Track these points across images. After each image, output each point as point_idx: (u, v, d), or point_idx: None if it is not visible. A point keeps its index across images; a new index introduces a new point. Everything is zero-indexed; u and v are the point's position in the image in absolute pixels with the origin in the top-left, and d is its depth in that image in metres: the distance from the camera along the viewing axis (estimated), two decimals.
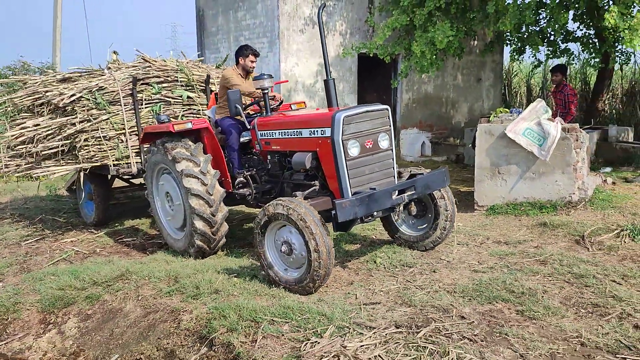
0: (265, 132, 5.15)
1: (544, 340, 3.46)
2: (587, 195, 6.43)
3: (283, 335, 3.82)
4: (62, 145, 6.55)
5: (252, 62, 5.76)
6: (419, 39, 8.87)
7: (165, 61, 7.09)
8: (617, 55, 9.44)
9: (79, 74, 7.04)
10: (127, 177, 7.50)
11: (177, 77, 6.83)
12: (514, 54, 10.83)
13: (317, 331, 3.76)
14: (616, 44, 8.76)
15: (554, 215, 6.24)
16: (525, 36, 8.71)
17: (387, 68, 10.82)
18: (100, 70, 7.10)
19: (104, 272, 5.60)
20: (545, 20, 8.59)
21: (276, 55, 9.53)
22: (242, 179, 5.42)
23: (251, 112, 5.88)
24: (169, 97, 6.79)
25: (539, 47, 8.70)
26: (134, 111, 6.58)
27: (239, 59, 5.80)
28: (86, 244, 7.25)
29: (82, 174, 6.67)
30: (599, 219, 6.01)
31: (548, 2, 7.98)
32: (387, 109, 4.73)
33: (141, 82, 6.65)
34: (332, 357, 3.38)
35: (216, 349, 4.02)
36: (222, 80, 5.70)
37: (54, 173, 6.54)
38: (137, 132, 6.59)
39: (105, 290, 5.32)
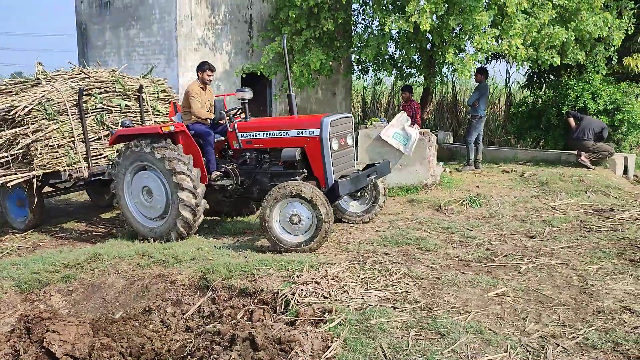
0: (248, 133, 6.56)
1: (440, 261, 5.63)
2: (437, 179, 9.03)
3: (273, 275, 5.40)
4: (10, 155, 7.15)
5: (209, 76, 7.02)
6: (297, 61, 10.89)
7: (96, 72, 7.97)
8: (437, 80, 12.47)
9: (13, 85, 7.67)
10: (80, 182, 8.04)
11: (114, 87, 7.83)
12: (361, 73, 13.48)
13: (296, 270, 5.44)
14: (437, 72, 11.70)
15: (417, 194, 8.68)
16: (380, 62, 11.24)
17: (263, 83, 12.65)
18: (32, 81, 7.75)
19: (72, 256, 6.41)
20: (397, 53, 11.24)
21: (174, 70, 10.80)
22: (220, 173, 6.75)
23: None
24: (110, 106, 7.75)
25: (392, 71, 11.31)
26: (80, 120, 7.45)
27: (199, 74, 7.03)
28: (24, 241, 7.88)
29: (34, 181, 7.26)
30: (447, 194, 8.58)
31: (397, 40, 10.60)
32: (351, 116, 6.65)
33: (84, 92, 7.47)
34: (320, 278, 5.15)
35: (219, 292, 5.47)
36: (187, 92, 6.91)
37: (11, 181, 7.13)
38: (84, 140, 7.47)
39: (79, 271, 6.15)
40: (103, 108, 7.67)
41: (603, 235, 6.39)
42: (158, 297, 5.67)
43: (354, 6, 11.71)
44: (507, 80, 16.75)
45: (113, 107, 7.84)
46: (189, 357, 4.19)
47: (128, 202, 6.93)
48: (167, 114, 8.24)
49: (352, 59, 12.27)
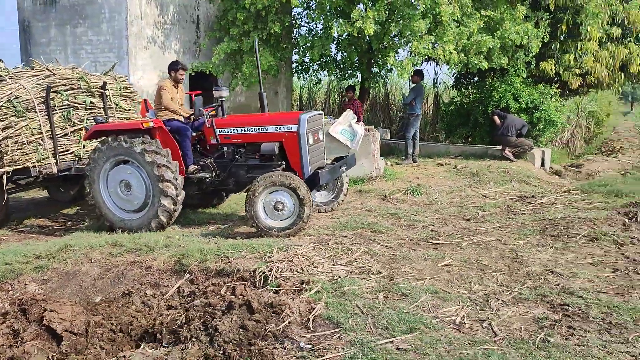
0: (226, 129, 7.06)
1: (392, 240, 6.41)
2: (381, 172, 9.87)
3: (245, 257, 5.96)
4: None
5: (181, 75, 7.44)
6: (247, 61, 11.42)
7: (60, 69, 8.13)
8: (373, 80, 13.39)
9: None
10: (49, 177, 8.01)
11: (79, 84, 8.06)
12: (300, 73, 14.17)
13: (267, 252, 6.02)
14: (377, 73, 12.59)
15: (364, 185, 9.48)
16: (324, 63, 11.96)
17: (210, 81, 13.05)
18: None
19: (42, 248, 6.64)
20: (340, 54, 12.00)
21: (124, 68, 11.01)
22: (197, 166, 7.17)
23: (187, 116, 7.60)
24: (75, 103, 7.98)
25: (334, 71, 12.06)
26: (47, 117, 7.63)
27: (171, 72, 7.41)
28: None
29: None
30: (391, 185, 9.44)
31: (341, 41, 11.37)
32: (322, 113, 7.32)
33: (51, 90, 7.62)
34: (292, 257, 5.79)
35: (196, 274, 5.98)
36: (159, 90, 7.26)
37: None
38: (51, 136, 7.64)
39: (51, 261, 6.39)
40: (69, 105, 7.86)
41: (527, 216, 7.42)
42: (136, 282, 6.04)
43: (298, 10, 12.36)
44: (435, 81, 18.01)
45: (78, 104, 8.03)
46: (185, 326, 4.69)
47: (104, 196, 7.15)
48: (129, 110, 8.54)
49: (296, 59, 12.90)
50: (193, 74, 12.05)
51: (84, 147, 7.93)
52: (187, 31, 12.38)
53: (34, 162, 7.48)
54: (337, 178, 7.73)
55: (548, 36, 11.70)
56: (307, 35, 11.63)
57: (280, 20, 11.32)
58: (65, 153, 7.82)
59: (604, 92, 19.14)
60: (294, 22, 12.31)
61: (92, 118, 7.79)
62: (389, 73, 12.28)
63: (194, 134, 7.38)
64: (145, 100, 8.02)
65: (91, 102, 8.13)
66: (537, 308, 4.26)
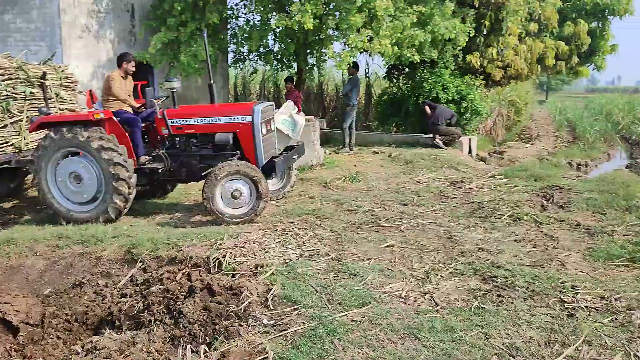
0: (178, 119, 7.11)
1: (337, 225, 6.78)
2: (321, 161, 10.25)
3: (197, 245, 6.15)
4: None
5: (133, 66, 7.48)
6: (184, 51, 11.43)
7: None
8: (310, 71, 13.74)
9: None
10: None
11: (18, 74, 7.82)
12: (235, 63, 14.29)
13: (217, 239, 6.25)
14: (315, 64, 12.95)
15: (305, 173, 9.82)
16: (263, 54, 12.15)
17: (145, 71, 12.91)
18: None
19: None
20: (277, 46, 12.22)
21: (58, 58, 10.67)
22: (149, 157, 7.21)
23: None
24: (14, 93, 7.75)
25: (273, 62, 12.29)
26: None
27: (122, 64, 7.42)
28: None
29: None
30: (330, 173, 9.84)
31: (278, 33, 11.60)
32: (273, 104, 7.51)
33: None
34: (243, 243, 6.05)
35: (148, 263, 6.12)
36: (108, 80, 7.23)
37: None
38: None
39: None
40: (8, 95, 7.66)
41: (458, 200, 8.03)
42: (86, 273, 6.07)
43: (235, 1, 12.48)
44: (367, 72, 18.58)
45: (17, 94, 7.81)
46: (146, 311, 4.86)
47: (51, 186, 7.07)
48: (70, 100, 8.41)
49: (234, 49, 13.01)
50: None
51: (24, 139, 7.77)
52: (122, 20, 12.19)
53: None
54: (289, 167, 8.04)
55: (473, 31, 12.47)
56: (245, 26, 11.77)
57: (218, 11, 11.40)
58: (4, 145, 7.63)
59: (522, 83, 20.43)
60: (231, 12, 12.39)
61: (33, 109, 7.65)
62: (322, 64, 12.69)
63: (143, 124, 7.43)
64: (90, 91, 7.94)
65: (31, 93, 7.94)
66: (471, 281, 4.77)
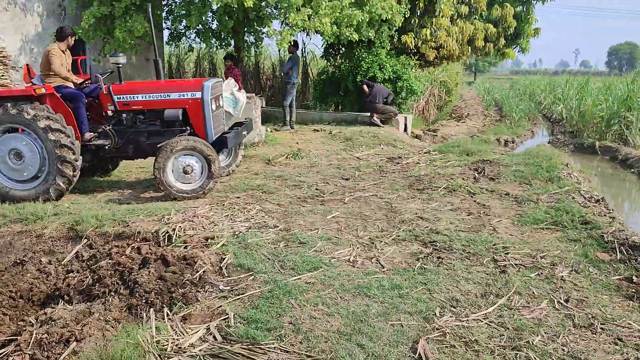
0: (125, 95, 6.98)
1: (282, 199, 6.97)
2: (262, 138, 10.35)
3: (144, 220, 6.21)
4: None
5: (71, 40, 7.36)
6: (119, 27, 11.12)
7: None
8: (248, 49, 13.74)
9: None
10: None
11: None
12: (172, 40, 14.04)
13: (164, 215, 6.30)
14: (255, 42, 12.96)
15: (248, 151, 9.90)
16: (202, 32, 12.01)
17: (76, 47, 12.47)
18: None
19: None
20: (216, 23, 12.09)
21: None
22: (94, 134, 7.06)
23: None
24: None
25: (211, 40, 12.17)
26: None
27: (64, 38, 7.25)
28: None
29: None
30: (273, 150, 9.98)
31: (217, 10, 11.49)
32: (222, 80, 7.49)
33: None
34: (192, 217, 6.13)
35: (94, 239, 6.10)
36: (48, 55, 6.99)
37: None
38: None
39: None
40: None
41: (396, 175, 8.40)
42: (27, 251, 6.00)
43: None
44: (304, 50, 18.69)
45: None
46: (97, 284, 4.88)
47: None
48: (2, 76, 8.07)
49: (169, 26, 12.76)
50: None
51: None
52: None
53: None
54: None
55: (409, 12, 12.85)
56: (182, 3, 11.58)
57: None
58: None
59: (452, 64, 21.21)
60: None
61: None
62: (260, 42, 12.72)
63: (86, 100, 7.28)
64: (27, 65, 7.62)
65: None
66: (413, 245, 5.10)
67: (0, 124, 6.71)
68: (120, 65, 7.02)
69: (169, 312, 3.64)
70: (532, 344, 3.12)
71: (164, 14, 12.29)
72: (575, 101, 17.90)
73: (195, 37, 12.47)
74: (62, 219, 6.28)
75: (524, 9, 17.66)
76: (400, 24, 12.66)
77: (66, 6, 11.93)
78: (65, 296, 5.10)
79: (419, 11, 13.66)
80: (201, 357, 2.98)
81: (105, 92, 7.05)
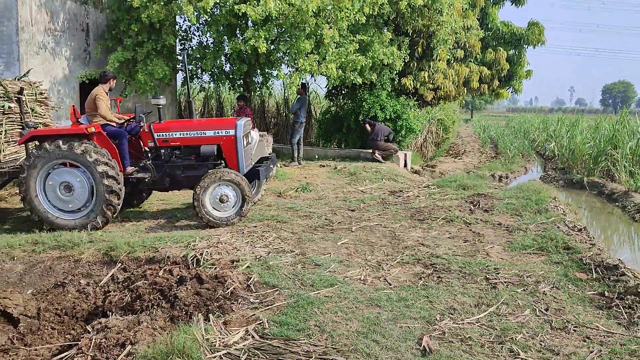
0: (164, 133, 7.76)
1: (296, 228, 7.65)
2: (273, 173, 11.11)
3: (172, 246, 6.89)
4: None
5: (113, 83, 8.13)
6: (141, 70, 12.04)
7: None
8: (259, 90, 14.69)
9: None
10: None
11: None
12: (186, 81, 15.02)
13: (190, 242, 6.98)
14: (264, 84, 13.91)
15: None
16: (217, 74, 12.94)
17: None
18: None
19: None
20: (230, 66, 13.05)
21: (15, 74, 11.02)
22: (135, 168, 7.80)
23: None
24: None
25: (225, 82, 13.11)
26: None
27: (108, 81, 8.04)
28: None
29: None
30: (283, 184, 10.73)
31: (229, 55, 12.46)
32: (250, 119, 8.28)
33: None
34: (216, 244, 6.81)
35: (127, 263, 6.77)
36: (95, 98, 7.76)
37: None
38: None
39: None
40: None
41: (398, 206, 9.13)
42: (67, 274, 6.63)
43: (187, 24, 13.20)
44: (307, 91, 19.70)
45: None
46: (138, 300, 5.54)
47: (41, 198, 7.49)
48: (44, 115, 8.85)
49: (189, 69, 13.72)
50: (87, 81, 12.37)
51: (2, 152, 8.15)
52: (77, 38, 12.64)
53: None
54: None
55: (408, 57, 13.83)
56: (199, 47, 12.55)
57: (174, 32, 12.11)
58: None
59: (450, 103, 22.20)
60: (184, 35, 13.13)
61: (10, 123, 8.07)
62: (269, 84, 13.71)
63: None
64: (73, 106, 8.37)
65: (9, 107, 8.32)
66: (415, 267, 5.80)
67: (52, 160, 7.38)
68: (161, 106, 7.80)
69: (211, 317, 4.31)
70: (515, 340, 3.80)
71: (179, 58, 13.27)
72: (567, 139, 18.80)
73: (209, 80, 13.40)
74: (96, 246, 6.93)
75: (516, 53, 18.76)
76: (400, 68, 13.61)
77: (91, 51, 12.89)
78: (107, 312, 5.76)
79: (417, 55, 14.64)
80: (246, 349, 3.64)
81: (146, 130, 7.82)
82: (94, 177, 7.37)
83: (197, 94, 18.76)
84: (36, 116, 8.83)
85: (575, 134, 17.59)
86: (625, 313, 4.27)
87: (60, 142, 7.30)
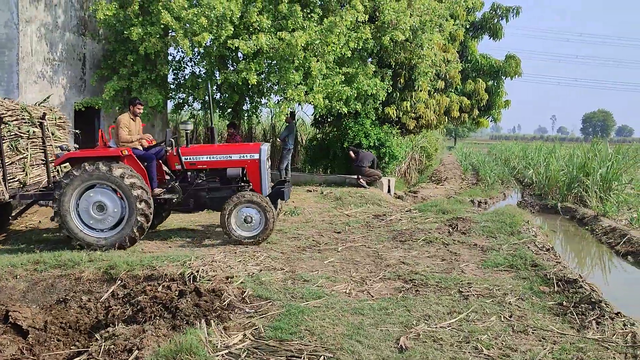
0: (191, 156, 8.21)
1: (285, 248, 8.17)
2: None
3: (169, 265, 7.33)
4: None
5: (139, 109, 8.52)
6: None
7: (4, 101, 8.46)
8: (249, 117, 15.32)
9: None
10: None
11: (23, 115, 8.55)
12: (176, 109, 15.59)
13: (186, 260, 7.43)
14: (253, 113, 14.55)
15: None
16: (207, 102, 13.52)
17: (91, 115, 13.88)
18: None
19: None
20: (220, 95, 13.66)
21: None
22: (162, 189, 8.24)
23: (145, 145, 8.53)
24: (20, 133, 8.43)
25: (216, 110, 13.70)
26: None
27: (130, 107, 8.46)
28: None
29: None
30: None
31: (220, 85, 13.09)
32: (269, 144, 8.82)
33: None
34: (210, 262, 7.28)
35: (126, 280, 7.19)
36: (118, 124, 8.19)
37: None
38: (1, 165, 7.99)
39: None
40: (16, 135, 8.34)
41: (382, 229, 9.68)
42: (68, 291, 7.03)
43: (181, 55, 13.84)
44: (295, 119, 20.37)
45: (23, 133, 8.51)
46: (140, 313, 5.97)
47: (74, 217, 7.84)
48: (62, 139, 9.31)
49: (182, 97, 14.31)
50: (83, 109, 12.88)
51: (28, 175, 8.52)
52: (73, 68, 13.19)
53: None
54: None
55: (391, 87, 14.57)
56: (191, 77, 13.16)
57: (168, 63, 12.73)
58: (12, 181, 8.29)
59: (432, 131, 22.98)
60: (178, 65, 13.76)
61: (34, 147, 8.51)
62: (258, 112, 14.39)
63: None
64: (100, 130, 8.83)
65: (33, 132, 8.70)
66: (396, 282, 6.33)
67: (87, 181, 7.72)
68: (189, 131, 8.29)
69: (212, 323, 4.78)
70: (480, 340, 4.34)
71: (172, 87, 13.86)
72: (543, 167, 19.59)
73: (199, 108, 13.99)
74: (96, 264, 7.35)
75: (495, 83, 19.63)
76: (384, 98, 14.32)
77: (87, 79, 13.43)
78: (110, 325, 6.20)
79: (400, 86, 15.40)
80: (245, 349, 4.13)
81: (174, 154, 8.26)
82: (129, 200, 7.73)
83: (187, 119, 19.30)
84: (56, 140, 9.20)
85: (552, 162, 18.37)
86: (578, 319, 4.84)
87: (101, 164, 7.64)
